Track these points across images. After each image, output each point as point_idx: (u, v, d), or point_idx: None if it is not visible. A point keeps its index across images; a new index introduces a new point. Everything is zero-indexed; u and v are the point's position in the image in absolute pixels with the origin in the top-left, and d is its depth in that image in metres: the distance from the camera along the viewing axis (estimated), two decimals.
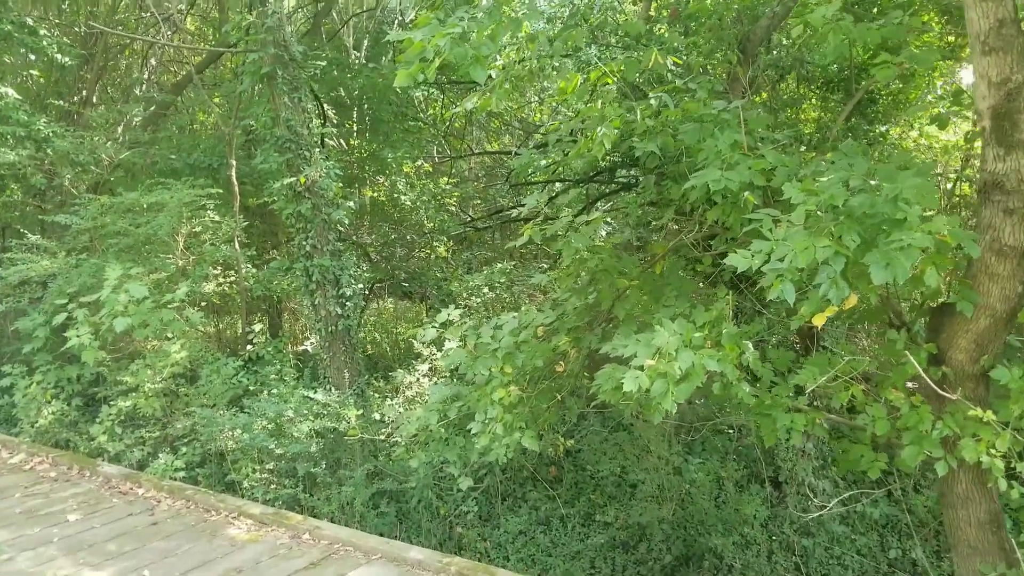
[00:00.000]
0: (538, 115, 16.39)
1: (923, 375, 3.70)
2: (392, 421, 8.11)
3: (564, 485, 8.46)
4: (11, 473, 7.22)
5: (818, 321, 3.72)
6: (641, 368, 3.91)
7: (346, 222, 9.42)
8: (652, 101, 4.36)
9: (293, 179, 8.57)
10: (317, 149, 9.04)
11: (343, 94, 12.37)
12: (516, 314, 5.80)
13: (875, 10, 7.15)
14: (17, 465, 7.51)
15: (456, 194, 16.21)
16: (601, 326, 5.49)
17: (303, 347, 13.16)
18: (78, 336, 7.74)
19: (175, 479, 7.44)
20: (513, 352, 5.46)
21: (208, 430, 7.95)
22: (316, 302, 8.89)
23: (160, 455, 8.03)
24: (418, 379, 10.06)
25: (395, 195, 14.04)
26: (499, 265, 12.59)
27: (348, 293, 8.94)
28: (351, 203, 9.69)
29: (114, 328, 7.42)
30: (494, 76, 4.35)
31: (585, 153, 4.56)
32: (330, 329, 8.89)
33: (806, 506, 7.81)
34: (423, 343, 8.58)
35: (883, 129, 9.61)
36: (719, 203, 4.25)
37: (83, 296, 8.10)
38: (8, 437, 8.57)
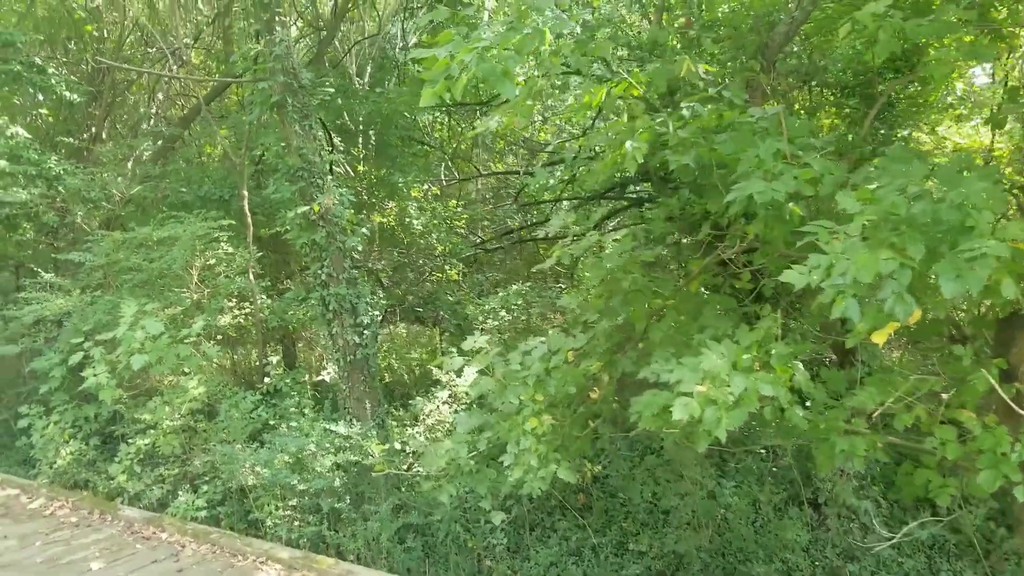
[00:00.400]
0: (543, 134, 16.31)
1: (1000, 393, 3.44)
2: (415, 452, 7.88)
3: (594, 513, 8.18)
4: (31, 519, 7.02)
5: (878, 338, 3.49)
6: (690, 394, 3.68)
7: (360, 249, 9.25)
8: (684, 111, 4.16)
9: (307, 208, 8.41)
10: (329, 176, 8.89)
11: (348, 121, 12.26)
12: (544, 339, 5.59)
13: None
14: (37, 510, 7.31)
15: (465, 216, 16.09)
16: (635, 348, 5.26)
17: (319, 377, 12.97)
18: (95, 375, 7.60)
19: (197, 519, 7.23)
20: (544, 379, 5.25)
21: (228, 467, 7.75)
22: (333, 331, 8.69)
23: (180, 493, 7.83)
24: (438, 407, 9.84)
25: (406, 220, 13.90)
26: (514, 287, 12.40)
27: (365, 321, 8.75)
28: (364, 230, 9.53)
29: (131, 366, 7.26)
30: (516, 93, 4.16)
31: (614, 166, 4.36)
32: (348, 359, 8.68)
33: (848, 528, 7.51)
34: (449, 372, 8.35)
35: (905, 133, 9.41)
36: (761, 216, 4.03)
37: (99, 334, 7.97)
38: (27, 481, 8.39)
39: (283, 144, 8.73)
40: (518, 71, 4.49)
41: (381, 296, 11.67)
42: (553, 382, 5.19)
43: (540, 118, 16.08)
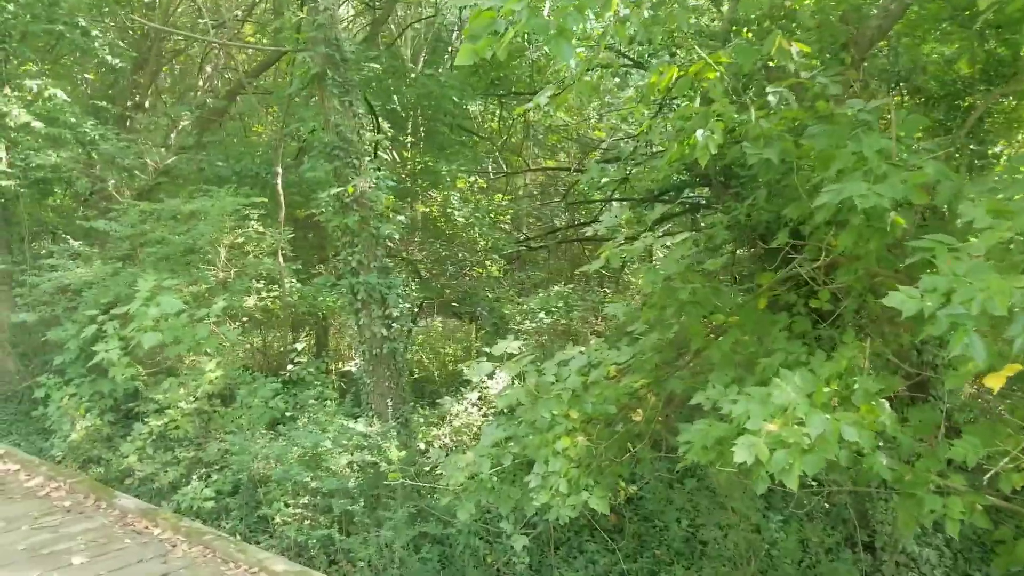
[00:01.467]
0: (599, 131, 15.75)
1: None
2: (438, 458, 7.37)
3: (625, 536, 7.59)
4: (24, 499, 6.64)
5: (994, 383, 2.82)
6: (756, 432, 3.06)
7: (396, 237, 8.75)
8: (771, 97, 3.53)
9: (340, 189, 7.93)
10: (367, 158, 8.39)
11: (398, 106, 11.81)
12: (583, 349, 5.00)
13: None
14: (32, 490, 6.95)
15: (510, 211, 15.58)
16: (688, 366, 4.64)
17: (347, 367, 12.57)
18: (106, 351, 7.24)
19: (200, 511, 6.84)
20: (581, 394, 4.66)
21: (239, 458, 7.33)
22: (361, 322, 8.20)
23: (193, 478, 7.46)
24: (466, 408, 9.32)
25: (449, 210, 13.44)
26: (556, 288, 11.85)
27: (395, 313, 8.23)
28: (402, 217, 9.03)
29: (142, 344, 6.87)
30: (573, 66, 3.57)
31: (681, 159, 3.76)
32: (375, 352, 8.19)
33: None
34: (477, 378, 7.84)
35: (998, 150, 8.59)
36: (854, 225, 3.38)
37: (116, 308, 7.60)
38: (29, 457, 8.08)
39: (322, 120, 8.27)
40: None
41: (415, 288, 11.19)
42: (591, 399, 4.62)
43: (596, 115, 15.50)
